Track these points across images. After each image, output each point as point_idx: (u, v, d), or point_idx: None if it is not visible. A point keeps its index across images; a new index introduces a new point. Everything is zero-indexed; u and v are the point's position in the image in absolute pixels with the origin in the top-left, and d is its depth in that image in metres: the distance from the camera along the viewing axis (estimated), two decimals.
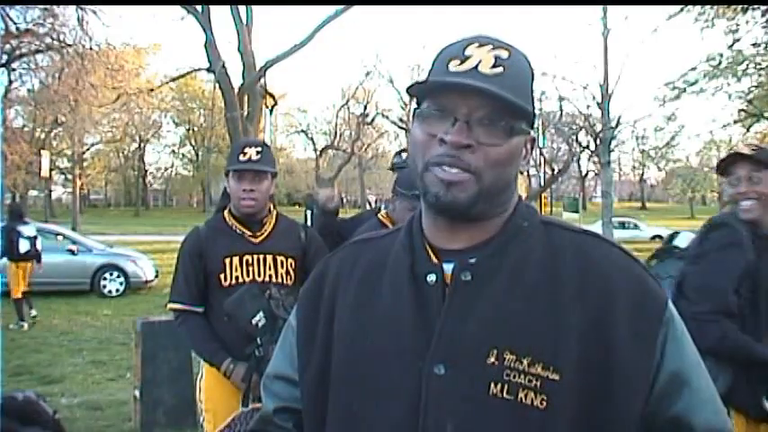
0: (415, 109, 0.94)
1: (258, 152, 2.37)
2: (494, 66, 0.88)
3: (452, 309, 0.88)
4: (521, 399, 0.83)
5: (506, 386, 0.83)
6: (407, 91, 0.92)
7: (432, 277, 0.91)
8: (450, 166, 0.87)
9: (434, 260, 0.93)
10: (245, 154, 2.35)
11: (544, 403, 0.82)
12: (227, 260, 2.34)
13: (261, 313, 2.18)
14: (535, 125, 0.95)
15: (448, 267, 0.91)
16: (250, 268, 2.35)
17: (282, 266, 2.40)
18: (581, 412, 0.83)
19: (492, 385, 0.84)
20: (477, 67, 0.88)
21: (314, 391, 0.98)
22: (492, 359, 0.84)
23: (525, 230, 0.93)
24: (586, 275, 0.88)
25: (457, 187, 0.87)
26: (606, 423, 0.83)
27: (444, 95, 0.89)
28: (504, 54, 0.89)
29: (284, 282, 2.38)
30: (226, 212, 2.47)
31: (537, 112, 0.96)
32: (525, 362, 0.83)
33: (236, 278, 2.33)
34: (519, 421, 0.83)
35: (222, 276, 2.33)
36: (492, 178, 0.88)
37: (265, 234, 2.44)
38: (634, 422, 0.84)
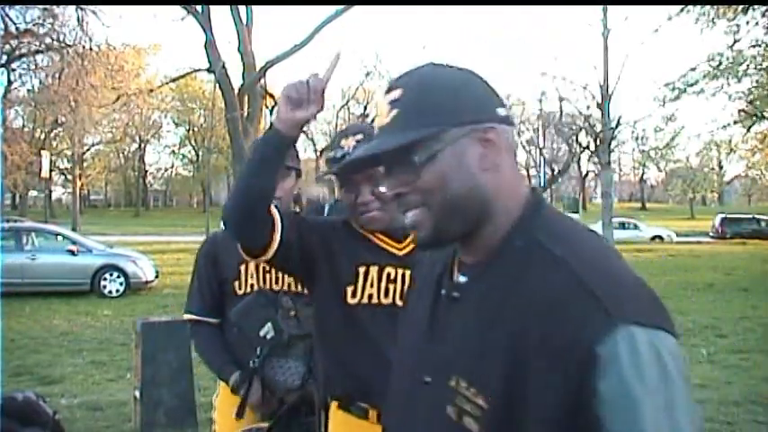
0: None
1: None
2: (389, 111, 0.90)
3: (439, 325, 0.94)
4: (464, 424, 0.86)
5: (456, 410, 0.87)
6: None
7: (444, 290, 0.96)
8: (403, 212, 0.92)
9: (455, 272, 0.97)
10: None
11: (480, 430, 0.85)
12: (243, 267, 2.16)
13: (269, 325, 2.01)
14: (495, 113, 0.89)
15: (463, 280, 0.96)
16: (267, 275, 2.17)
17: None
18: None
19: (449, 407, 0.88)
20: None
21: None
22: (453, 383, 0.88)
23: (515, 252, 0.88)
24: (533, 304, 0.83)
25: (416, 230, 0.91)
26: None
27: (344, 176, 0.98)
28: (396, 94, 0.90)
29: (304, 291, 2.15)
30: None
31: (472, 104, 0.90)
32: (472, 391, 0.85)
33: (251, 286, 2.16)
34: None
35: (237, 284, 2.18)
36: (439, 202, 0.88)
37: None
38: None
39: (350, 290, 1.66)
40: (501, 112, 0.91)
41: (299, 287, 2.14)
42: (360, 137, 1.69)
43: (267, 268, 2.14)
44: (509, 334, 0.83)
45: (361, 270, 1.66)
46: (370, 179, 1.63)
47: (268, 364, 2.01)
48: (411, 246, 1.68)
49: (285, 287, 2.15)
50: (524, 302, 0.83)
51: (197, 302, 2.25)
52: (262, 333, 2.00)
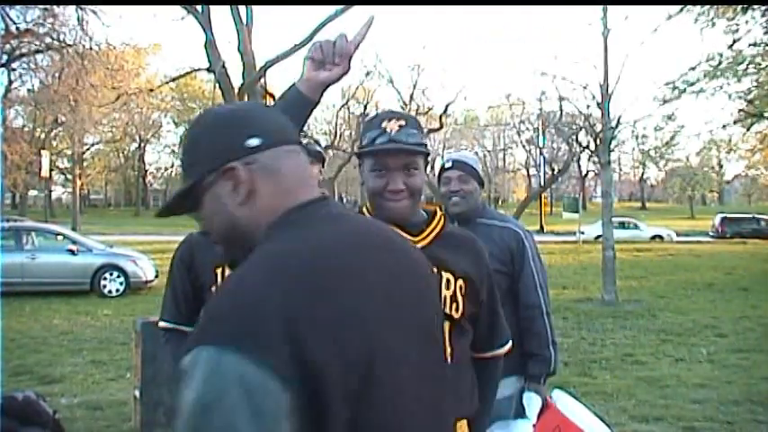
0: None
1: None
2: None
3: None
4: None
5: None
6: None
7: None
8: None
9: None
10: None
11: None
12: (219, 270, 2.01)
13: None
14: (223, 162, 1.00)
15: None
16: None
17: None
18: None
19: None
20: None
21: None
22: None
23: None
24: None
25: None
26: None
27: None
28: (180, 152, 1.15)
29: None
30: None
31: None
32: None
33: None
34: None
35: (214, 289, 2.02)
36: (217, 237, 1.06)
37: None
38: None
39: None
40: (252, 142, 0.99)
41: None
42: (403, 122, 1.64)
43: None
44: None
45: None
46: (405, 168, 1.60)
47: None
48: (427, 239, 1.67)
49: None
50: None
51: (171, 310, 2.13)
52: None
